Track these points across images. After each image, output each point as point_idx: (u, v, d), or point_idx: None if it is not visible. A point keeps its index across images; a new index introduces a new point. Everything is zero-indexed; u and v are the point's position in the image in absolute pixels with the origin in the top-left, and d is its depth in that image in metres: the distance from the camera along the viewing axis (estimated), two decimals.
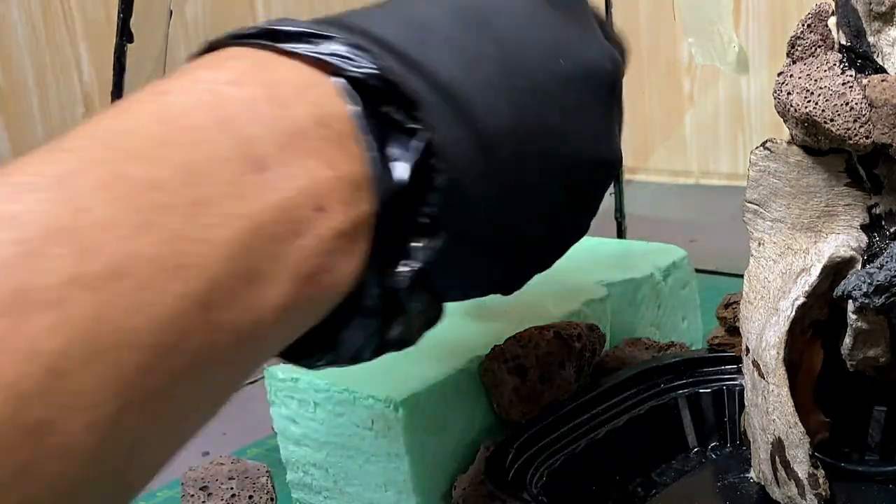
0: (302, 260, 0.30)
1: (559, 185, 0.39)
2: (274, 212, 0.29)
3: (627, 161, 0.79)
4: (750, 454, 0.44)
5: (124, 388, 0.26)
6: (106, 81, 0.65)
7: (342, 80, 0.32)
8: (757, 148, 0.41)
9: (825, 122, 0.38)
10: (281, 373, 0.50)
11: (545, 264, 0.42)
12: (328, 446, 0.49)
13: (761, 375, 0.41)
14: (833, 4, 0.40)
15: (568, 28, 0.40)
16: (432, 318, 0.37)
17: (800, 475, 0.40)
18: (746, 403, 0.43)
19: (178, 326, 0.27)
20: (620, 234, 0.77)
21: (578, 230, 0.43)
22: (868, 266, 0.39)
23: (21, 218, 0.25)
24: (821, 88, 0.38)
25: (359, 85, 0.32)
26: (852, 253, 0.40)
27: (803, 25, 0.40)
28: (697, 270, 0.62)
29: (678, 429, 0.49)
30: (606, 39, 0.42)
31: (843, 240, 0.40)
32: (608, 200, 0.77)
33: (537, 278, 0.57)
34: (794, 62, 0.40)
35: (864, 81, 0.38)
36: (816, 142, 0.39)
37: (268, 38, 0.33)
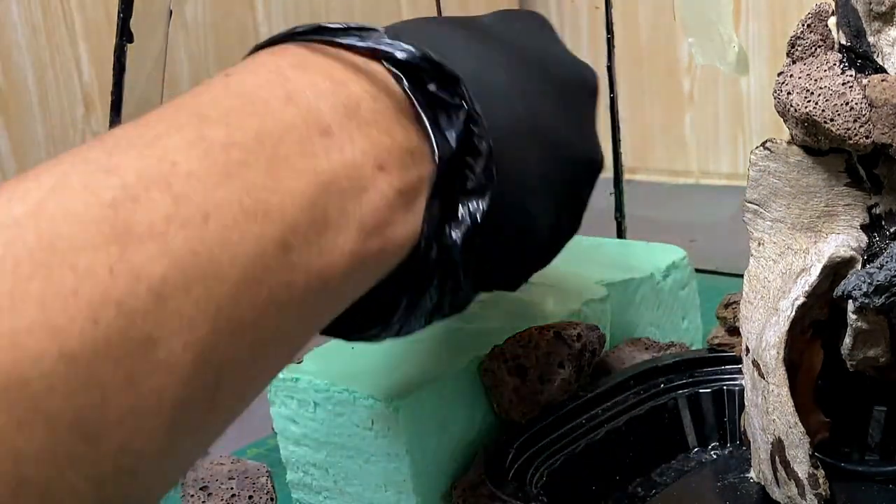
0: (367, 213, 0.33)
1: (561, 177, 0.43)
2: (341, 169, 0.33)
3: (627, 161, 0.80)
4: (750, 454, 0.44)
5: (216, 314, 0.29)
6: (106, 81, 0.65)
7: (389, 64, 0.36)
8: (757, 148, 0.41)
9: (825, 122, 0.38)
10: (281, 373, 0.50)
11: (545, 260, 0.45)
12: (328, 446, 0.49)
13: (761, 375, 0.41)
14: (833, 4, 0.40)
15: (550, 43, 0.46)
16: (478, 286, 0.40)
17: (800, 475, 0.40)
18: (746, 403, 0.43)
19: (261, 263, 0.30)
20: (620, 234, 0.77)
21: (572, 227, 0.46)
22: (868, 266, 0.39)
23: (121, 168, 0.29)
24: (821, 88, 0.38)
25: (404, 66, 0.36)
26: (852, 253, 0.40)
27: (803, 25, 0.40)
28: (697, 270, 0.62)
29: (678, 429, 0.49)
30: None
31: (843, 240, 0.40)
32: (608, 200, 0.77)
33: (537, 278, 0.57)
34: (794, 62, 0.40)
35: (864, 81, 0.38)
36: (816, 142, 0.39)
37: (317, 33, 0.37)
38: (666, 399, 0.49)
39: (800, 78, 0.39)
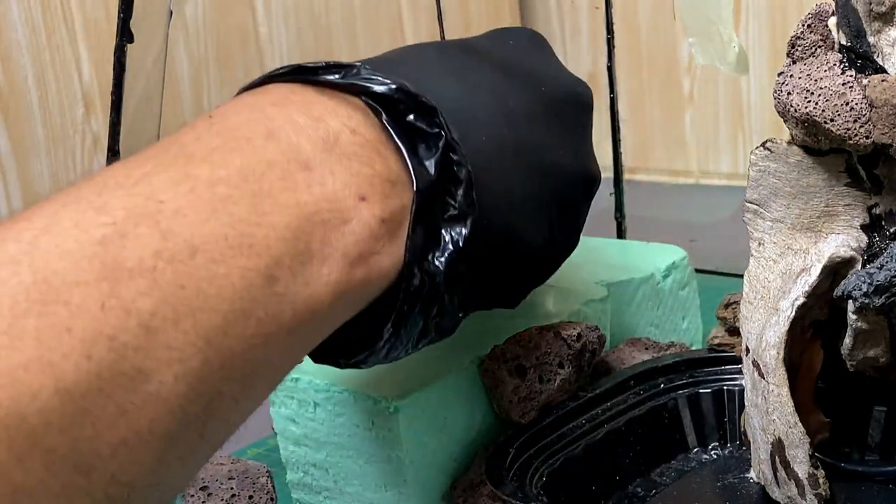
0: (351, 243, 0.34)
1: (551, 195, 0.44)
2: (323, 201, 0.34)
3: (627, 161, 0.80)
4: (750, 454, 0.44)
5: (206, 347, 0.29)
6: (106, 81, 0.65)
7: (367, 97, 0.37)
8: (757, 148, 0.41)
9: (825, 122, 0.38)
10: None
11: (542, 277, 0.46)
12: (328, 446, 0.49)
13: (761, 375, 0.41)
14: (833, 4, 0.40)
15: (543, 60, 0.46)
16: (465, 309, 0.41)
17: (800, 475, 0.40)
18: (746, 403, 0.43)
19: (249, 296, 0.31)
20: (620, 234, 0.77)
21: (569, 243, 0.47)
22: (868, 266, 0.39)
23: (110, 207, 0.30)
24: (821, 88, 0.38)
25: (382, 99, 0.37)
26: (852, 253, 0.40)
27: (803, 25, 0.40)
28: (697, 270, 0.62)
29: (678, 429, 0.49)
30: None
31: (843, 240, 0.40)
32: (608, 200, 0.77)
33: None
34: (794, 62, 0.40)
35: (864, 81, 0.38)
36: (816, 142, 0.39)
37: (297, 73, 0.38)
38: (666, 399, 0.49)
39: (800, 78, 0.39)
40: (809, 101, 0.38)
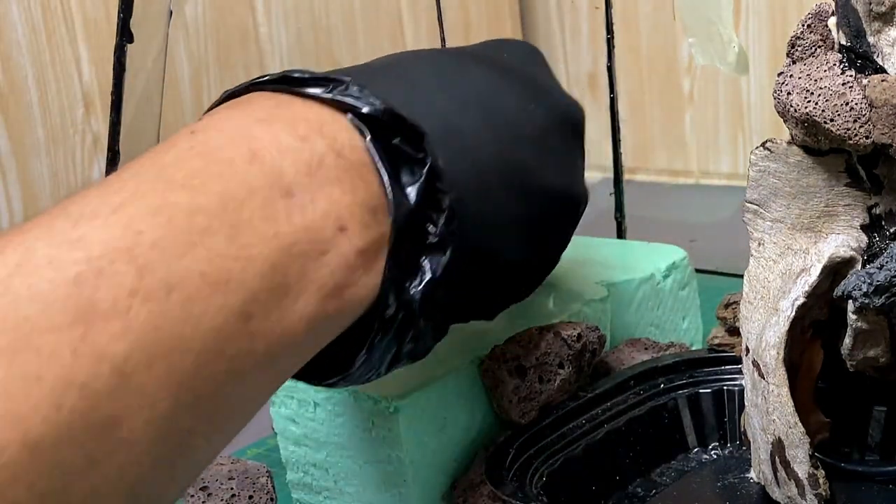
0: (327, 275, 0.34)
1: (537, 216, 0.43)
2: (302, 232, 0.33)
3: (627, 161, 0.80)
4: (750, 454, 0.44)
5: (178, 389, 0.29)
6: (106, 81, 0.65)
7: (354, 116, 0.36)
8: (757, 148, 0.41)
9: (825, 122, 0.38)
10: None
11: (522, 295, 0.46)
12: (328, 446, 0.49)
13: (761, 375, 0.41)
14: (833, 4, 0.40)
15: (538, 78, 0.46)
16: (440, 333, 0.40)
17: (800, 475, 0.40)
18: (746, 403, 0.43)
19: (223, 334, 0.30)
20: (620, 234, 0.77)
21: (552, 261, 0.47)
22: (868, 266, 0.39)
23: (86, 240, 0.29)
24: (821, 88, 0.38)
25: (369, 120, 0.36)
26: (852, 253, 0.40)
27: (803, 25, 0.40)
28: (697, 270, 0.62)
29: (678, 429, 0.49)
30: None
31: (843, 240, 0.40)
32: (608, 200, 0.77)
33: None
34: (794, 62, 0.40)
35: (864, 81, 0.38)
36: (816, 142, 0.39)
37: (284, 83, 0.37)
38: (666, 399, 0.49)
39: (800, 78, 0.39)
40: (809, 101, 0.38)
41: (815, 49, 0.39)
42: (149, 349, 0.28)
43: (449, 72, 0.42)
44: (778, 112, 0.40)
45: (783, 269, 0.42)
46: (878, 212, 0.40)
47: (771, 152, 0.41)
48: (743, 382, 0.44)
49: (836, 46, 0.39)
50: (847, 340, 0.41)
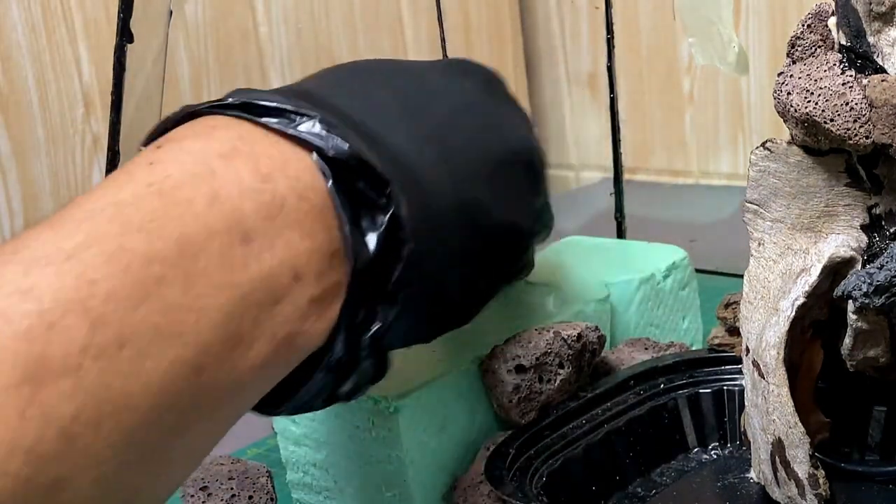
0: (279, 325, 0.33)
1: (486, 252, 0.43)
2: (258, 281, 0.32)
3: (627, 161, 0.80)
4: (750, 454, 0.44)
5: (125, 447, 0.28)
6: (106, 81, 0.65)
7: (318, 158, 0.35)
8: (757, 148, 0.41)
9: (825, 122, 0.38)
10: None
11: (465, 321, 0.45)
12: (328, 446, 0.49)
13: (761, 375, 0.41)
14: (833, 4, 0.39)
15: (493, 112, 0.44)
16: (380, 373, 0.39)
17: (800, 475, 0.40)
18: (746, 403, 0.43)
19: (173, 389, 0.29)
20: (620, 234, 0.77)
21: (496, 291, 0.46)
22: (868, 266, 0.39)
23: (38, 290, 0.28)
24: (821, 88, 0.38)
25: (333, 162, 0.35)
26: (852, 253, 0.40)
27: (803, 25, 0.40)
28: (697, 270, 0.62)
29: (678, 429, 0.49)
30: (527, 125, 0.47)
31: (843, 240, 0.40)
32: (608, 200, 0.77)
33: (537, 278, 0.57)
34: (794, 62, 0.40)
35: (864, 81, 0.38)
36: (816, 142, 0.39)
37: (246, 110, 0.36)
38: (666, 399, 0.49)
39: (800, 78, 0.39)
40: (809, 101, 0.38)
41: (815, 49, 0.39)
42: (97, 408, 0.27)
43: (412, 101, 0.41)
44: (778, 112, 0.40)
45: (783, 269, 0.42)
46: (878, 212, 0.40)
47: (771, 152, 0.41)
48: (743, 382, 0.44)
49: (836, 46, 0.39)
50: (847, 340, 0.41)
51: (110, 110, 0.60)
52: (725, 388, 0.49)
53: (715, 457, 0.48)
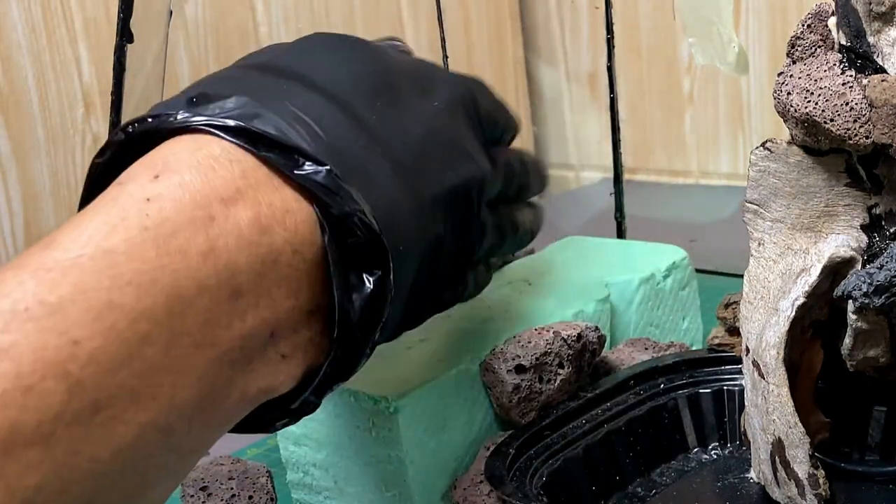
0: (251, 382, 0.32)
1: (440, 282, 0.42)
2: (236, 340, 0.31)
3: (627, 161, 0.80)
4: (750, 454, 0.44)
5: None
6: (106, 81, 0.65)
7: (319, 211, 0.34)
8: (757, 148, 0.41)
9: (825, 122, 0.38)
10: None
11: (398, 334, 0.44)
12: (328, 446, 0.49)
13: (761, 375, 0.41)
14: (833, 4, 0.39)
15: (456, 142, 0.42)
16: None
17: (800, 475, 0.40)
18: (746, 403, 0.43)
19: (141, 452, 0.29)
20: (620, 234, 0.77)
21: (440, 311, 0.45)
22: (868, 266, 0.39)
23: (17, 349, 0.26)
24: (821, 88, 0.38)
25: (332, 217, 0.34)
26: (852, 253, 0.40)
27: (803, 25, 0.40)
28: (697, 270, 0.62)
29: (678, 429, 0.49)
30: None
31: (843, 240, 0.40)
32: (608, 200, 0.77)
33: (537, 278, 0.57)
34: (794, 62, 0.40)
35: (864, 81, 0.38)
36: (816, 142, 0.39)
37: (244, 136, 0.34)
38: (666, 399, 0.49)
39: (800, 78, 0.39)
40: (809, 101, 0.38)
41: (815, 49, 0.39)
42: (63, 476, 0.26)
43: (388, 124, 0.39)
44: (778, 112, 0.40)
45: (783, 269, 0.42)
46: (878, 212, 0.40)
47: (771, 152, 0.41)
48: (743, 382, 0.44)
49: (836, 46, 0.39)
50: (847, 340, 0.41)
51: (110, 110, 0.60)
52: (725, 388, 0.49)
53: (715, 457, 0.48)
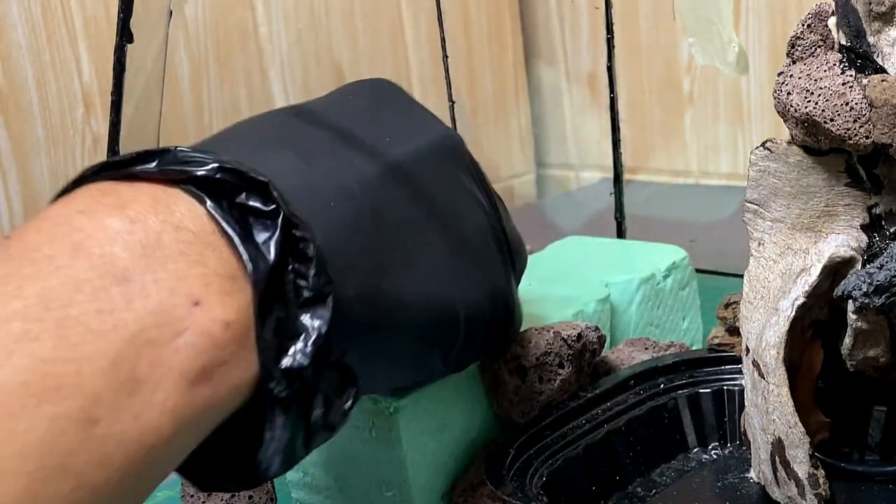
0: (188, 358, 0.30)
1: (450, 245, 0.41)
2: (147, 317, 0.30)
3: (627, 161, 0.80)
4: (750, 454, 0.44)
5: None
6: (106, 81, 0.65)
7: (189, 186, 0.33)
8: (757, 148, 0.41)
9: (825, 122, 0.38)
10: None
11: (488, 338, 0.43)
12: (328, 446, 0.49)
13: (761, 375, 0.41)
14: (833, 4, 0.40)
15: (392, 117, 0.42)
16: (354, 396, 0.36)
17: (800, 475, 0.40)
18: (746, 403, 0.43)
19: (62, 447, 0.27)
20: (620, 234, 0.77)
21: (475, 289, 0.43)
22: (868, 266, 0.39)
23: None
24: (821, 88, 0.38)
25: (206, 184, 0.33)
26: (852, 253, 0.40)
27: (803, 25, 0.40)
28: (697, 270, 0.62)
29: (678, 429, 0.49)
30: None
31: (843, 240, 0.40)
32: (608, 200, 0.77)
33: (537, 278, 0.57)
34: (794, 62, 0.40)
35: (864, 81, 0.38)
36: (816, 142, 0.39)
37: (107, 169, 0.34)
38: (666, 399, 0.49)
39: (800, 78, 0.39)
40: (809, 101, 0.38)
41: (815, 49, 0.39)
42: None
43: (284, 129, 0.39)
44: (778, 112, 0.40)
45: (783, 268, 0.42)
46: (878, 212, 0.40)
47: (771, 152, 0.41)
48: (743, 382, 0.44)
49: (836, 46, 0.39)
50: (847, 340, 0.41)
51: (110, 110, 0.60)
52: (725, 388, 0.49)
53: (715, 457, 0.48)
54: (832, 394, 0.44)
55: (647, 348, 0.54)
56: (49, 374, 0.27)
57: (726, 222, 0.91)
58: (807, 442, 0.40)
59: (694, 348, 0.58)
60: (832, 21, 0.39)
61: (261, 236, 0.33)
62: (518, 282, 0.46)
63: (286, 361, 0.33)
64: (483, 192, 0.44)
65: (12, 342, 0.27)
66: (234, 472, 0.34)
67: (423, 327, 0.40)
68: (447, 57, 0.80)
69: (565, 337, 0.48)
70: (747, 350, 0.43)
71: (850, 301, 0.39)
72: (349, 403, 0.36)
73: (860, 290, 0.37)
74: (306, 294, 0.33)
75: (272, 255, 0.32)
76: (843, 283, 0.38)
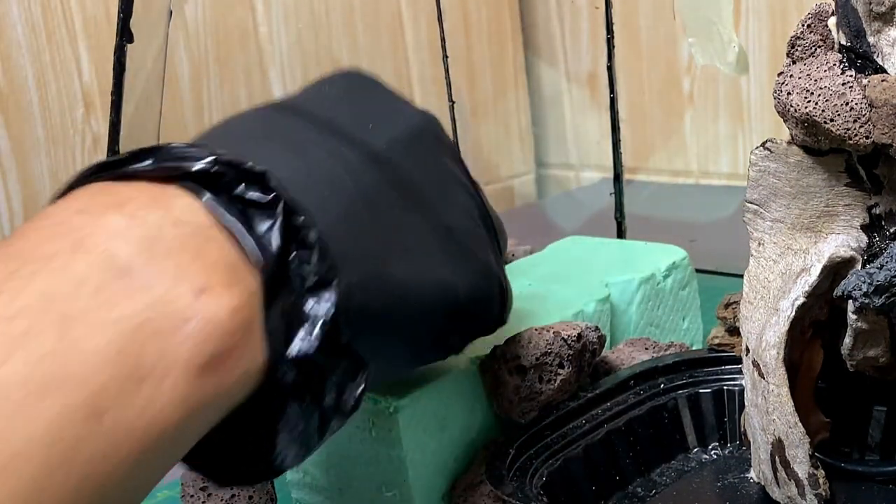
0: (196, 346, 0.30)
1: (439, 232, 0.41)
2: (151, 307, 0.30)
3: (627, 161, 0.80)
4: (750, 454, 0.44)
5: None
6: (106, 81, 0.65)
7: (187, 181, 0.33)
8: (757, 148, 0.41)
9: (825, 122, 0.38)
10: None
11: (478, 321, 0.43)
12: (328, 446, 0.49)
13: (761, 375, 0.41)
14: (833, 4, 0.40)
15: (367, 105, 0.42)
16: (366, 380, 0.36)
17: (800, 475, 0.40)
18: (746, 403, 0.43)
19: (70, 438, 0.27)
20: (620, 234, 0.77)
21: (475, 273, 0.43)
22: (868, 266, 0.39)
23: None
24: (821, 88, 0.38)
25: (203, 178, 0.33)
26: (852, 253, 0.40)
27: (803, 25, 0.40)
28: (697, 270, 0.62)
29: (678, 429, 0.49)
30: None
31: (843, 240, 0.40)
32: (608, 200, 0.77)
33: (537, 278, 0.57)
34: (794, 62, 0.40)
35: (864, 81, 0.38)
36: (816, 142, 0.39)
37: (103, 169, 0.34)
38: (666, 399, 0.49)
39: (800, 78, 0.39)
40: (809, 101, 0.38)
41: (815, 49, 0.39)
42: None
43: (281, 125, 0.39)
44: (778, 112, 0.40)
45: (783, 269, 0.42)
46: (878, 212, 0.40)
47: (771, 152, 0.41)
48: (743, 382, 0.44)
49: (836, 46, 0.39)
50: (847, 340, 0.41)
51: (110, 110, 0.60)
52: (725, 388, 0.49)
53: (715, 457, 0.48)
54: (832, 394, 0.44)
55: (647, 348, 0.54)
56: (53, 368, 0.27)
57: (726, 222, 0.91)
58: (807, 442, 0.40)
59: (694, 348, 0.58)
60: (832, 21, 0.40)
61: (262, 226, 0.33)
62: (502, 259, 0.47)
63: (295, 347, 0.33)
64: (464, 173, 0.45)
65: (16, 339, 0.27)
66: (250, 465, 0.34)
67: (426, 310, 0.40)
68: (447, 57, 0.81)
69: (565, 337, 0.48)
70: (747, 350, 0.43)
71: (850, 301, 0.39)
72: (361, 387, 0.36)
73: (860, 290, 0.37)
74: (311, 280, 0.33)
75: (276, 243, 0.33)
76: (843, 283, 0.38)
